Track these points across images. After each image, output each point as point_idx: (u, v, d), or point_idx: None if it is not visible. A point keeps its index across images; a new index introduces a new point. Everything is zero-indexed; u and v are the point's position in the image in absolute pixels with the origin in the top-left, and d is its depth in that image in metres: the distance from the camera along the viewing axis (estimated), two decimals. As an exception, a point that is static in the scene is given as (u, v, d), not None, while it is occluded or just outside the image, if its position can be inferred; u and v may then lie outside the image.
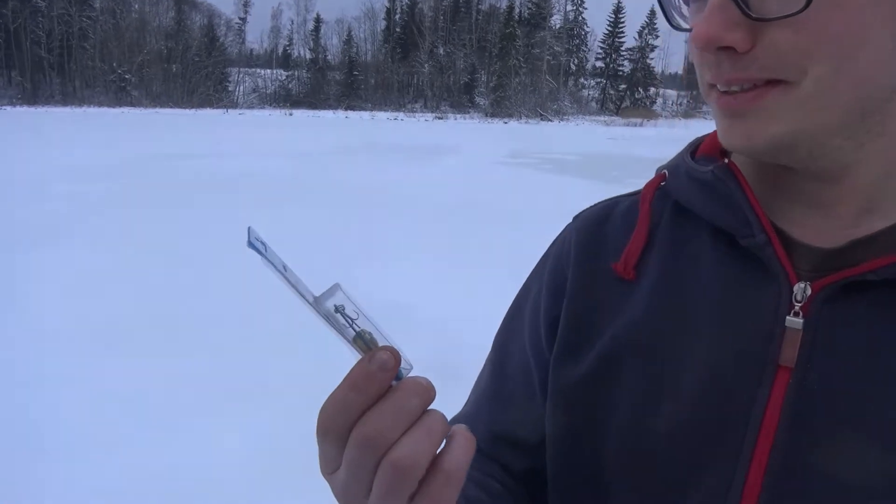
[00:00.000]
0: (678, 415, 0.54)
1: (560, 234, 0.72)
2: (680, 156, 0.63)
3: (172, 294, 5.90)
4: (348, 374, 0.40)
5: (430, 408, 0.41)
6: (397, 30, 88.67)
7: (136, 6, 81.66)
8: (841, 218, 0.52)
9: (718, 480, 0.52)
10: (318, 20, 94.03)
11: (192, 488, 3.04)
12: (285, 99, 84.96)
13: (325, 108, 76.35)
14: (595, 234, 0.67)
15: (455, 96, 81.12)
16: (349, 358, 0.41)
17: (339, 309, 0.43)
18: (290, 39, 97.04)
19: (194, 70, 78.63)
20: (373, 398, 0.40)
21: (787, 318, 0.51)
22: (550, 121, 64.10)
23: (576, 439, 0.61)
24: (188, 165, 15.66)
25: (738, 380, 0.52)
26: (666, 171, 0.64)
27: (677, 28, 0.52)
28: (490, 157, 20.10)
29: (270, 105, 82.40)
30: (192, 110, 65.30)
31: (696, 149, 0.63)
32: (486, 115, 68.58)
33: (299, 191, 12.18)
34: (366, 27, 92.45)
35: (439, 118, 64.07)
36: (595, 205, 0.71)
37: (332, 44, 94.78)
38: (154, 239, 7.97)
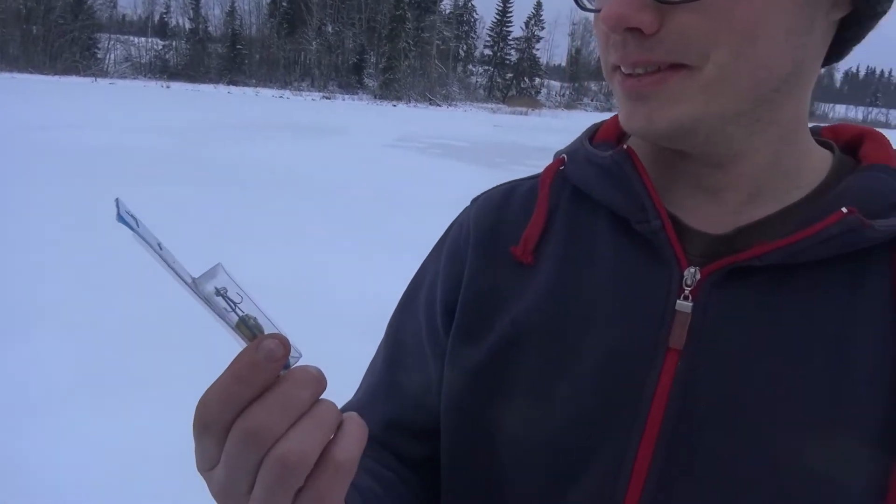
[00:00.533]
0: (574, 398, 0.55)
1: (457, 217, 0.71)
2: (578, 141, 0.64)
3: (26, 279, 5.38)
4: (232, 364, 0.38)
5: (320, 398, 0.40)
6: (284, 4, 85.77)
7: (-10, -41, 74.13)
8: (730, 204, 0.54)
9: (610, 461, 0.53)
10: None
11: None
12: (162, 70, 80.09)
13: (205, 82, 72.67)
14: (494, 217, 0.66)
15: (344, 76, 79.67)
16: (233, 345, 0.38)
17: (220, 292, 0.40)
18: (168, 7, 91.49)
19: (58, 33, 72.41)
20: (258, 390, 0.38)
21: (678, 301, 0.52)
22: (439, 105, 64.30)
23: (472, 423, 0.60)
24: (47, 137, 14.34)
25: (630, 362, 0.53)
26: (565, 156, 0.64)
27: (584, 8, 0.52)
28: (379, 140, 19.87)
29: (145, 76, 77.44)
30: (56, 77, 60.26)
31: (593, 134, 0.64)
32: (375, 97, 67.85)
33: (177, 168, 11.48)
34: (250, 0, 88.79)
35: (327, 98, 62.76)
36: (493, 188, 0.70)
37: (214, 14, 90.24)
38: (14, 215, 7.24)
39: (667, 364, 0.52)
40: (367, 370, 0.74)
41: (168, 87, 59.79)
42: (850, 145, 0.59)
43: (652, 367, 0.52)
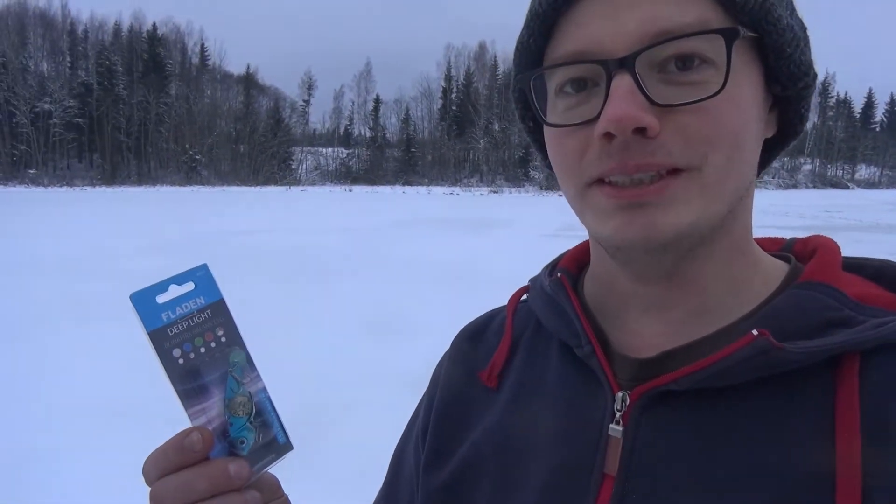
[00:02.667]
0: None
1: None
2: (544, 268, 0.65)
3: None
4: (169, 439, 0.47)
5: (242, 493, 0.47)
6: (453, 108, 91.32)
7: (209, 91, 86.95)
8: (672, 323, 0.54)
9: None
10: (377, 100, 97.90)
11: None
12: (345, 175, 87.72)
13: (383, 184, 78.34)
14: (467, 346, 0.69)
15: (510, 170, 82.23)
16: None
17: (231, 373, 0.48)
18: (351, 119, 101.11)
19: (260, 150, 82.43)
20: (175, 466, 0.46)
21: (611, 426, 0.52)
22: (606, 193, 63.69)
23: None
24: (248, 241, 16.24)
25: (569, 490, 0.53)
26: (530, 283, 0.66)
27: (553, 125, 0.51)
28: (541, 230, 20.15)
29: (331, 181, 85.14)
30: (258, 188, 68.03)
31: (556, 263, 0.65)
32: (542, 188, 69.04)
33: (355, 265, 12.45)
34: (423, 106, 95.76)
35: (494, 192, 64.87)
36: (478, 317, 0.73)
37: (391, 122, 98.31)
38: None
39: (603, 491, 0.51)
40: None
41: (350, 190, 65.11)
42: (809, 257, 0.57)
43: (588, 494, 0.52)
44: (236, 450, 0.48)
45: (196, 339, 0.47)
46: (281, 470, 0.54)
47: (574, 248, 0.65)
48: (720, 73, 0.45)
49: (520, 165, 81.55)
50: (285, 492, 0.56)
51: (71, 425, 4.49)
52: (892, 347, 0.47)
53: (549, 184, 70.51)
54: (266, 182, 77.61)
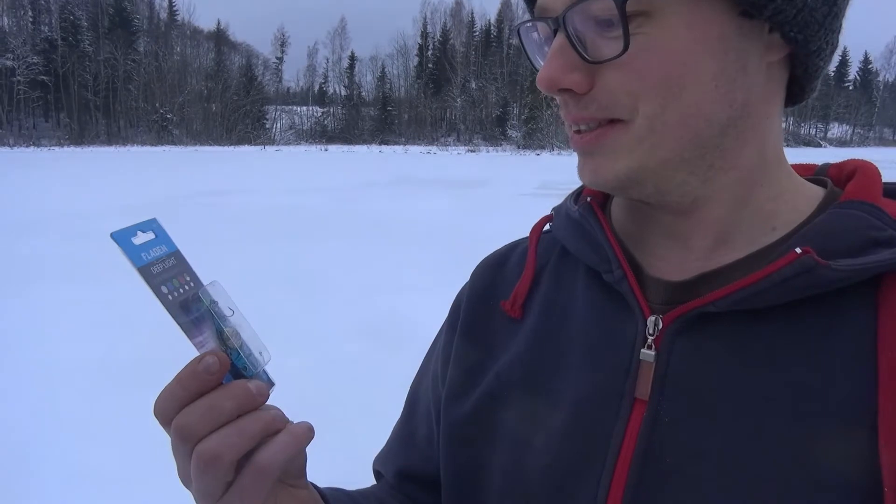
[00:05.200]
0: (548, 452, 0.55)
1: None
2: (569, 196, 0.66)
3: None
4: (180, 371, 0.46)
5: (265, 410, 0.47)
6: (429, 66, 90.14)
7: (178, 49, 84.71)
8: (697, 250, 0.54)
9: None
10: (352, 58, 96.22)
11: None
12: (321, 135, 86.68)
13: (359, 143, 77.59)
14: (490, 275, 0.69)
15: (487, 129, 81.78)
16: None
17: (210, 305, 0.48)
18: (326, 77, 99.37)
19: (233, 109, 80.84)
20: (194, 395, 0.46)
21: (642, 351, 0.52)
22: (583, 152, 63.84)
23: (464, 479, 0.62)
24: (222, 201, 16.03)
25: (599, 415, 0.53)
26: (553, 213, 0.66)
27: (538, 70, 0.54)
28: (519, 189, 20.15)
29: (307, 141, 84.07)
30: (231, 147, 67.04)
31: (582, 190, 0.65)
32: (519, 147, 68.90)
33: (333, 224, 12.36)
34: (399, 64, 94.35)
35: (472, 151, 64.61)
36: (498, 249, 0.73)
37: (367, 80, 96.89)
38: (204, 271, 8.16)
39: (634, 415, 0.51)
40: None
41: (326, 149, 64.48)
42: (846, 181, 0.57)
43: (618, 418, 0.52)
44: (242, 376, 0.49)
45: (173, 279, 0.49)
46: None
47: None
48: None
49: (497, 124, 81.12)
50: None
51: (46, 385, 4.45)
52: None
53: (526, 142, 70.41)
54: (240, 142, 76.33)
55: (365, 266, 8.57)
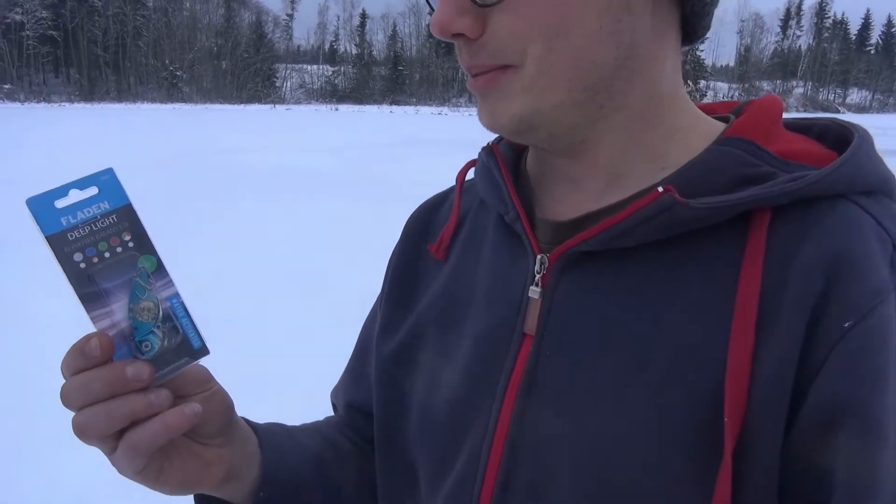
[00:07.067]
0: (452, 382, 0.58)
1: None
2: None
3: (221, 285, 6.07)
4: (76, 342, 0.48)
5: (144, 393, 0.49)
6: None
7: (188, 4, 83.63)
8: (589, 191, 0.55)
9: (473, 447, 0.56)
10: (363, 16, 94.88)
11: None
12: (331, 94, 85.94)
13: (370, 103, 76.94)
14: (423, 219, 0.71)
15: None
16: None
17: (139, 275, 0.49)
18: (336, 35, 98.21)
19: (243, 66, 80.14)
20: (78, 370, 0.49)
21: (531, 288, 0.55)
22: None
23: (389, 413, 0.65)
24: (232, 160, 15.99)
25: (494, 349, 0.56)
26: (478, 156, 0.66)
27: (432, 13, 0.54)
28: (530, 152, 20.00)
29: (317, 100, 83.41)
30: (241, 105, 66.62)
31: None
32: (531, 110, 67.98)
33: (340, 184, 12.34)
34: (411, 22, 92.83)
35: (483, 112, 63.80)
36: (434, 195, 0.74)
37: (378, 39, 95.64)
38: (199, 229, 8.21)
39: (522, 349, 0.54)
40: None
41: (336, 109, 64.00)
42: None
43: (508, 353, 0.55)
44: (141, 353, 0.49)
45: (100, 243, 0.48)
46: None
47: None
48: None
49: (509, 85, 79.99)
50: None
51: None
52: (806, 202, 0.47)
53: (539, 105, 69.44)
54: (250, 100, 75.84)
55: (370, 225, 8.57)
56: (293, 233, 7.95)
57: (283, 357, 4.49)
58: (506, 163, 0.60)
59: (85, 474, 2.73)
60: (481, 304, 0.59)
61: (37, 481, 2.95)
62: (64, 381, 0.49)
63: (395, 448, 0.65)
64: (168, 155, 17.09)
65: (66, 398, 0.49)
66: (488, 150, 0.61)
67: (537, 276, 0.54)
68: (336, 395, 0.79)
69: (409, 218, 0.74)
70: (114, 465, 0.51)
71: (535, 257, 0.55)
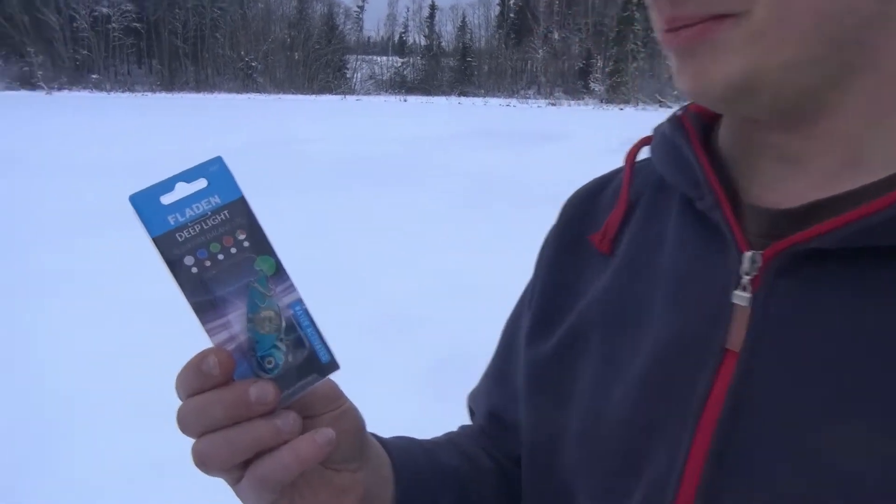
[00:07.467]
0: (626, 400, 0.49)
1: None
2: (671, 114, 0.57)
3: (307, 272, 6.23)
4: (191, 359, 0.42)
5: (271, 418, 0.42)
6: (511, 15, 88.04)
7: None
8: (816, 174, 0.44)
9: (660, 471, 0.46)
10: (433, 7, 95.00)
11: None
12: (400, 85, 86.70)
13: (438, 94, 77.20)
14: (582, 207, 0.62)
15: (569, 82, 79.68)
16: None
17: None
18: (406, 26, 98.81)
19: (315, 57, 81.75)
20: (196, 390, 0.42)
21: (735, 293, 0.44)
22: (670, 107, 61.47)
23: (542, 422, 0.57)
24: (305, 149, 16.38)
25: (682, 367, 0.46)
26: (652, 133, 0.57)
27: None
28: (601, 146, 19.66)
29: (386, 91, 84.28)
30: (313, 96, 67.97)
31: (687, 106, 0.55)
32: (602, 102, 66.91)
33: (407, 174, 12.47)
34: (480, 13, 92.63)
35: (552, 104, 63.25)
36: (592, 180, 0.65)
37: (447, 30, 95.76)
38: (283, 217, 8.44)
39: (723, 369, 0.44)
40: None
41: (405, 100, 64.43)
42: None
43: (704, 370, 0.44)
44: (264, 371, 0.43)
45: (212, 244, 0.42)
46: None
47: None
48: None
49: (579, 77, 78.83)
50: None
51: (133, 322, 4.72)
52: None
53: (610, 96, 68.27)
54: (321, 90, 77.34)
55: (438, 219, 8.61)
56: (361, 223, 8.06)
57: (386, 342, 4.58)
58: (698, 137, 0.50)
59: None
60: (664, 308, 0.49)
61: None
62: (180, 402, 0.43)
63: (547, 472, 0.55)
64: (244, 143, 17.62)
65: (184, 423, 0.42)
66: (675, 121, 0.51)
67: (745, 278, 0.43)
68: (475, 400, 0.71)
69: (567, 203, 0.64)
70: (239, 496, 0.45)
71: (743, 254, 0.44)
